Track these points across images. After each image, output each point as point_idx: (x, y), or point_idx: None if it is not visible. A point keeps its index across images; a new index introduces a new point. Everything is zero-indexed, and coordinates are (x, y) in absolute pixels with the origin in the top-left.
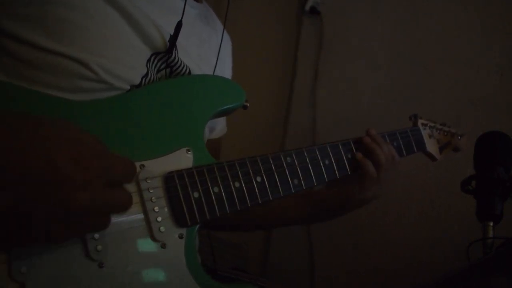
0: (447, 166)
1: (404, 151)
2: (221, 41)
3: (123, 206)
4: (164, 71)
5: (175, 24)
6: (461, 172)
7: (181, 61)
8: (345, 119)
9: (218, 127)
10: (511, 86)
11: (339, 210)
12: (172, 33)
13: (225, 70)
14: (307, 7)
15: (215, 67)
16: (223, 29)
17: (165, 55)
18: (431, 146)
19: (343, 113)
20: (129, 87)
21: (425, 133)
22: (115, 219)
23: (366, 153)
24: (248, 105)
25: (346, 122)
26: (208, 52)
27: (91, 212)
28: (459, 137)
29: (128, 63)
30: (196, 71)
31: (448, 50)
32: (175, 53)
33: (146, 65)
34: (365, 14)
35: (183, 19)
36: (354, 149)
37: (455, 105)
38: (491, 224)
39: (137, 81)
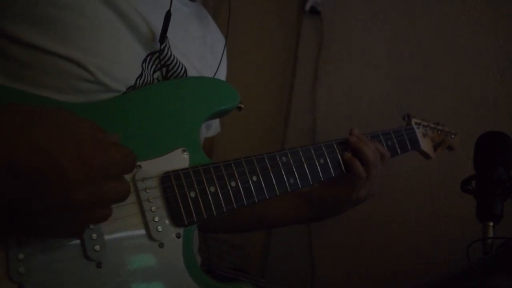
0: (447, 166)
1: (399, 150)
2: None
3: (122, 197)
4: (160, 71)
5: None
6: (461, 172)
7: (176, 60)
8: (345, 119)
9: (214, 125)
10: (511, 86)
11: (335, 209)
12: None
13: (221, 68)
14: (307, 7)
15: (210, 66)
16: (227, 29)
17: (160, 54)
18: (425, 145)
19: (343, 113)
20: (124, 89)
21: (419, 132)
22: (113, 220)
23: (354, 152)
24: (242, 106)
25: (346, 122)
26: (201, 49)
27: (91, 206)
28: (452, 136)
29: (124, 64)
30: (190, 69)
31: (448, 50)
32: (169, 50)
33: (142, 66)
34: (365, 14)
35: (177, 18)
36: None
37: (455, 105)
38: (491, 224)
39: (132, 82)
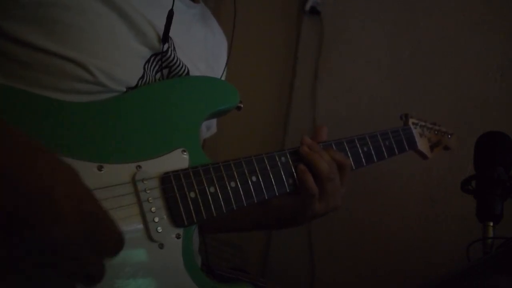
0: (447, 166)
1: (396, 150)
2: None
3: (95, 275)
4: (161, 72)
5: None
6: (461, 172)
7: (179, 61)
8: (345, 119)
9: (213, 126)
10: (511, 86)
11: (291, 221)
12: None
13: (220, 71)
14: (307, 7)
15: (212, 67)
16: (233, 29)
17: (164, 55)
18: (422, 145)
19: (343, 113)
20: (125, 90)
21: (416, 132)
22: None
23: (306, 165)
24: (242, 106)
25: (346, 122)
26: (203, 51)
27: (65, 252)
28: (449, 136)
29: (125, 65)
30: (193, 70)
31: (448, 50)
32: (172, 52)
33: (144, 67)
34: (365, 14)
35: (180, 20)
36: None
37: (455, 105)
38: (491, 224)
39: (133, 83)
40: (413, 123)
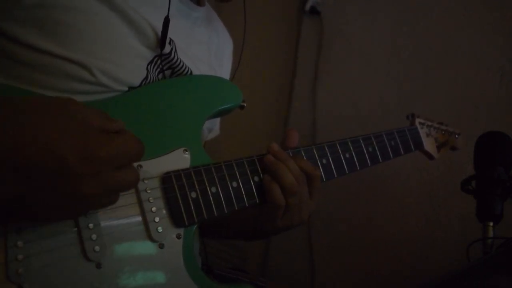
0: (447, 166)
1: (402, 150)
2: (223, 43)
3: (131, 186)
4: (163, 73)
5: (173, 25)
6: (461, 172)
7: (182, 63)
8: (345, 119)
9: (216, 127)
10: (511, 86)
11: (258, 234)
12: (167, 33)
13: (223, 72)
14: (307, 7)
15: (215, 70)
16: (244, 30)
17: (167, 57)
18: (429, 145)
19: (343, 113)
20: (127, 89)
21: (422, 132)
22: (113, 220)
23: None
24: (245, 105)
25: (346, 122)
26: (206, 54)
27: (98, 196)
28: (456, 136)
29: (128, 66)
30: (195, 72)
31: (448, 50)
32: (175, 54)
33: (147, 68)
34: (365, 14)
35: (183, 23)
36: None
37: (455, 105)
38: (491, 224)
39: (137, 83)
40: (419, 123)
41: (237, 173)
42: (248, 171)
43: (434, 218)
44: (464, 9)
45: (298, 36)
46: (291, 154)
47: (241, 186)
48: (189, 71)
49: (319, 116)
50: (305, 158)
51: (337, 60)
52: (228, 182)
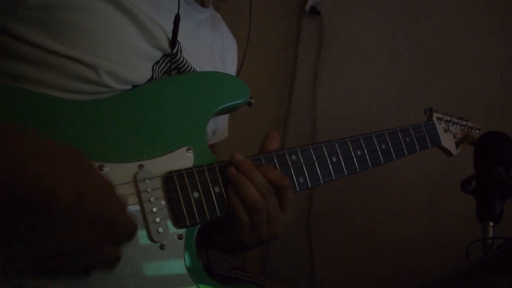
0: (447, 166)
1: (417, 147)
2: (227, 44)
3: (114, 261)
4: (169, 73)
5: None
6: (461, 172)
7: (188, 63)
8: (345, 119)
9: (220, 130)
10: (511, 86)
11: (228, 248)
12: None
13: (230, 68)
14: (307, 7)
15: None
16: (249, 30)
17: (174, 57)
18: (447, 141)
19: (343, 113)
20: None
21: (440, 127)
22: None
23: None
24: (252, 101)
25: (346, 122)
26: (210, 56)
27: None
28: (477, 131)
29: (134, 66)
30: None
31: (448, 50)
32: (181, 54)
33: (152, 68)
34: (365, 14)
35: (188, 25)
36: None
37: (455, 105)
38: (491, 224)
39: (142, 83)
40: (437, 118)
41: None
42: None
43: (434, 218)
44: (464, 9)
45: (298, 36)
46: (263, 162)
47: None
48: (194, 71)
49: (319, 116)
50: (276, 166)
51: (337, 60)
52: None
